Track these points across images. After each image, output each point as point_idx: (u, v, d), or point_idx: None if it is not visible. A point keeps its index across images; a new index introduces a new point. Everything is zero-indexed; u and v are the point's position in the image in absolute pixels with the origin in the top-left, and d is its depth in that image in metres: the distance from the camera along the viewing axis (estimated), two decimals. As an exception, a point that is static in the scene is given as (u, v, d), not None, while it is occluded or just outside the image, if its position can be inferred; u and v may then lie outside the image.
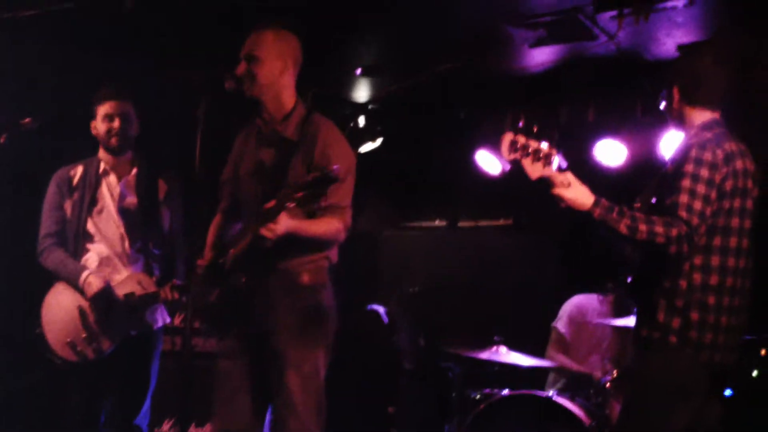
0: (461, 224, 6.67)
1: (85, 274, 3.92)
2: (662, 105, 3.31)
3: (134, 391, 4.00)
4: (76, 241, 4.01)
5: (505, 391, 4.59)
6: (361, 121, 6.19)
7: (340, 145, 3.40)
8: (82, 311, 3.92)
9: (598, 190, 2.99)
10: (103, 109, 4.07)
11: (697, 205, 2.94)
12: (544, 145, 2.93)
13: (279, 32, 3.45)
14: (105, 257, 4.02)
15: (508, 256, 6.33)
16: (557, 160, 2.94)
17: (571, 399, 4.52)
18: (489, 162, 5.99)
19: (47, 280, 4.03)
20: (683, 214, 2.92)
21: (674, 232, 2.89)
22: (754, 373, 4.57)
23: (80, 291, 3.93)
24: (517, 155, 2.93)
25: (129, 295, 3.92)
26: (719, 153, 3.02)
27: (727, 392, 3.31)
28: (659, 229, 2.89)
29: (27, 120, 3.76)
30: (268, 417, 3.38)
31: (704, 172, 2.97)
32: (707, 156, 2.99)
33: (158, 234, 4.11)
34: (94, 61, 4.95)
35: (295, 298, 3.30)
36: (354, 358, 5.57)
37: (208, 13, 4.57)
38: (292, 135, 3.39)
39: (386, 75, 5.64)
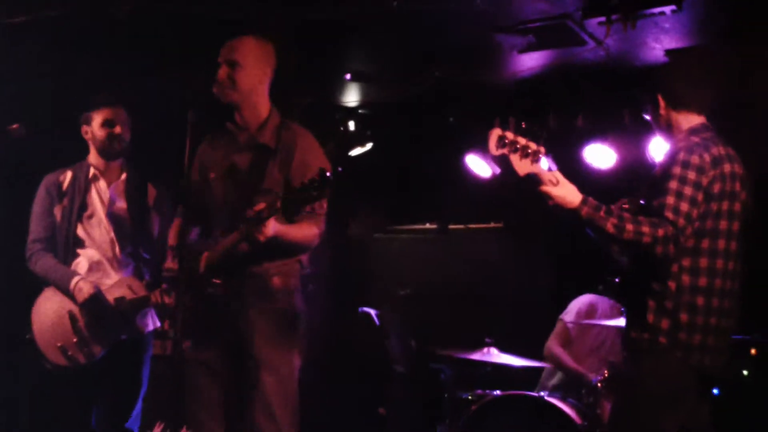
0: (452, 227, 6.69)
1: (75, 279, 3.92)
2: (648, 116, 3.33)
3: (125, 395, 4.00)
4: (66, 246, 4.01)
5: (497, 392, 4.61)
6: (351, 125, 6.21)
7: (318, 153, 3.45)
8: (72, 316, 3.92)
9: (587, 193, 3.01)
10: (101, 115, 4.08)
11: (684, 206, 2.96)
12: (532, 142, 2.94)
13: (259, 39, 3.49)
14: (95, 262, 4.02)
15: (499, 259, 6.35)
16: (545, 159, 2.95)
17: (563, 399, 4.54)
18: (479, 166, 6.01)
19: (37, 284, 4.03)
20: (669, 215, 2.94)
21: (660, 232, 2.91)
22: (745, 373, 4.59)
23: (70, 296, 3.92)
24: (505, 150, 2.93)
25: (119, 300, 3.92)
26: (706, 156, 3.04)
27: (715, 391, 3.33)
28: (645, 229, 2.91)
29: (15, 126, 3.76)
30: None
31: (691, 175, 3.00)
32: (694, 159, 3.01)
33: (148, 239, 4.11)
34: (87, 67, 4.95)
35: (268, 302, 3.33)
36: (345, 360, 5.59)
37: (200, 21, 4.58)
38: (269, 141, 3.42)
39: (375, 80, 5.65)
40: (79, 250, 4.03)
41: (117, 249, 4.05)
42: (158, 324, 4.15)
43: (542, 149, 2.94)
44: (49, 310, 3.96)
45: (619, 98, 5.31)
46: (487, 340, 4.74)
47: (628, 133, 5.34)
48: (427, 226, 6.83)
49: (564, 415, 4.39)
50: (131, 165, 4.20)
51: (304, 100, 5.41)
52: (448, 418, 4.74)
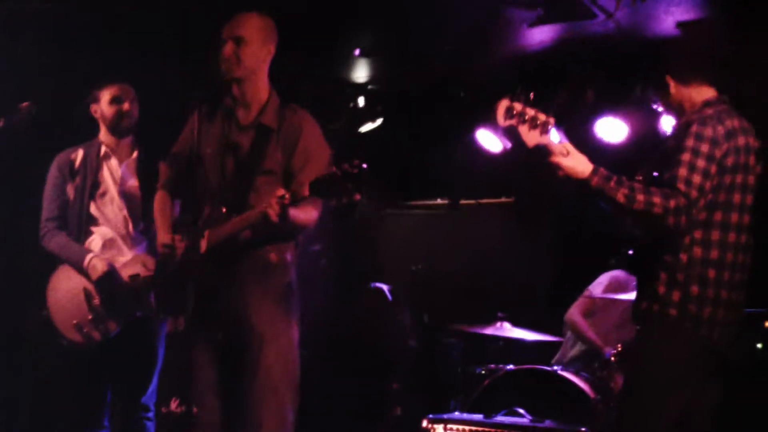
0: (463, 202, 6.69)
1: (89, 257, 3.94)
2: (659, 102, 3.31)
3: (141, 371, 4.03)
4: (80, 224, 4.03)
5: (510, 366, 4.62)
6: (361, 101, 6.19)
7: (321, 138, 3.45)
8: (87, 293, 3.94)
9: (600, 166, 2.99)
10: (109, 92, 4.09)
11: (696, 178, 2.94)
12: (541, 113, 2.91)
13: (263, 17, 3.47)
14: (109, 240, 4.04)
15: (510, 233, 6.35)
16: (554, 131, 2.93)
17: (576, 373, 4.55)
18: (490, 140, 6.00)
19: (51, 262, 4.05)
20: (682, 186, 2.92)
21: (672, 203, 2.89)
22: (759, 346, 4.59)
23: (84, 274, 3.95)
24: (513, 122, 2.91)
25: (134, 277, 3.94)
26: (720, 129, 3.02)
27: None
28: (657, 199, 2.89)
29: (25, 104, 3.76)
30: None
31: (704, 147, 2.97)
32: (708, 131, 2.99)
33: (161, 216, 4.12)
34: (93, 50, 4.96)
35: (265, 276, 3.35)
36: (358, 335, 5.61)
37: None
38: (270, 122, 3.41)
39: (385, 56, 5.64)
40: (92, 228, 4.04)
41: (130, 226, 4.07)
42: (173, 301, 4.18)
43: (551, 120, 2.91)
44: (65, 287, 3.99)
45: (630, 71, 5.28)
46: (499, 314, 4.75)
47: (639, 105, 5.32)
48: (439, 201, 6.84)
49: (577, 389, 4.40)
50: (142, 143, 4.21)
51: (312, 75, 5.39)
52: (461, 393, 4.77)
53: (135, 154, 4.16)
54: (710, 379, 3.07)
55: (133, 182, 4.11)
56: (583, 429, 4.12)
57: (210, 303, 3.34)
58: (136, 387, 4.02)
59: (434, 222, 6.76)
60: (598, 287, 5.19)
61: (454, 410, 4.65)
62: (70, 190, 4.06)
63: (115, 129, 4.12)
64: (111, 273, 3.92)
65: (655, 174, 3.09)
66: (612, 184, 2.92)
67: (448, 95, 6.03)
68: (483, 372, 4.70)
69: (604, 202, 2.97)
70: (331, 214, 3.48)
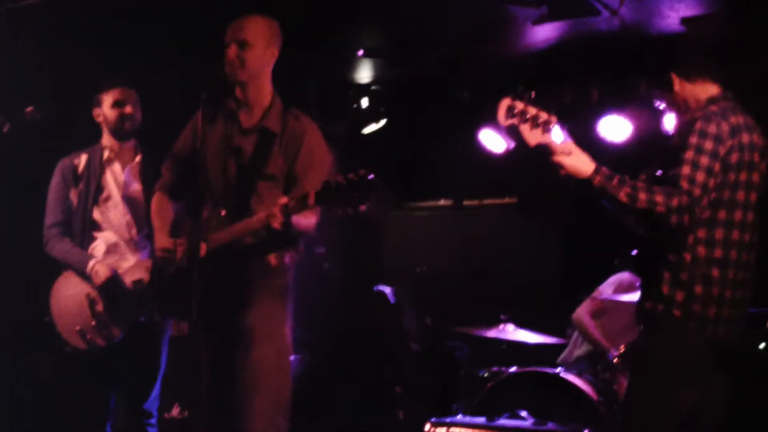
0: (466, 203, 6.68)
1: (92, 262, 3.94)
2: (664, 102, 3.29)
3: (144, 376, 4.02)
4: (83, 229, 4.02)
5: (513, 369, 4.61)
6: (365, 102, 6.19)
7: (323, 145, 3.45)
8: (90, 299, 3.94)
9: (604, 165, 2.97)
10: (111, 96, 4.08)
11: (700, 176, 2.92)
12: (543, 112, 2.89)
13: (268, 20, 3.46)
14: (112, 245, 4.03)
15: (514, 234, 6.34)
16: (557, 129, 2.91)
17: (579, 375, 4.53)
18: (493, 141, 5.99)
19: (54, 268, 4.06)
20: (685, 185, 2.90)
21: (675, 202, 2.87)
22: (762, 346, 4.56)
23: (88, 279, 3.95)
24: (515, 121, 2.89)
25: (137, 282, 3.94)
26: (724, 126, 2.99)
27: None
28: (659, 198, 2.87)
29: (30, 109, 3.77)
30: None
31: (708, 145, 2.95)
32: (712, 128, 2.97)
33: (164, 220, 4.12)
34: (94, 51, 4.96)
35: (263, 279, 3.36)
36: (361, 338, 5.60)
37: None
38: (274, 127, 3.40)
39: (388, 56, 5.63)
40: (96, 233, 4.04)
41: (134, 231, 4.06)
42: (176, 306, 4.18)
43: (553, 118, 2.88)
44: (68, 293, 3.98)
45: (634, 68, 5.26)
46: (502, 317, 4.74)
47: (644, 102, 5.29)
48: (442, 202, 6.83)
49: (580, 391, 4.39)
50: (145, 147, 4.20)
51: (316, 76, 5.39)
52: (464, 396, 4.76)
53: (138, 158, 4.15)
54: (716, 379, 3.06)
55: (136, 186, 4.11)
56: (586, 431, 4.11)
57: (207, 305, 3.30)
58: (139, 392, 4.02)
59: (437, 223, 6.75)
60: (607, 289, 5.17)
61: (457, 413, 4.64)
62: (74, 196, 4.06)
63: (117, 132, 4.11)
64: (114, 278, 3.92)
65: (659, 172, 3.08)
66: (614, 183, 2.90)
67: (451, 95, 6.02)
68: (486, 375, 4.69)
69: (607, 201, 2.95)
70: (334, 217, 3.47)
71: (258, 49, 3.38)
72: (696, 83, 3.15)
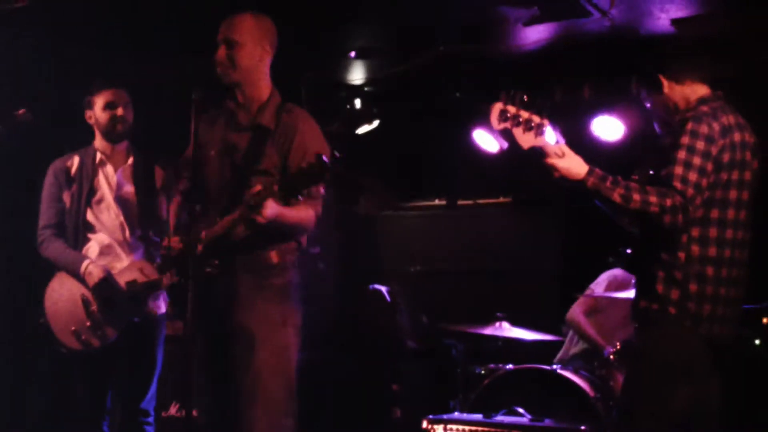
0: (461, 203, 6.68)
1: (85, 263, 3.94)
2: (653, 111, 3.31)
3: (140, 376, 4.03)
4: (77, 231, 4.03)
5: (509, 366, 4.62)
6: (357, 103, 6.19)
7: (318, 137, 3.42)
8: (85, 300, 3.94)
9: (596, 165, 2.99)
10: (103, 98, 4.08)
11: (692, 176, 2.94)
12: (536, 115, 2.91)
13: (258, 16, 3.44)
14: (106, 246, 4.04)
15: (508, 234, 6.34)
16: (550, 131, 2.93)
17: (575, 372, 4.55)
18: (486, 140, 6.00)
19: (49, 270, 4.05)
20: (678, 184, 2.92)
21: (668, 202, 2.89)
22: (757, 342, 4.59)
23: (82, 281, 3.95)
24: (507, 125, 2.91)
25: (131, 283, 3.94)
26: (716, 126, 3.02)
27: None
28: (653, 198, 2.89)
29: (22, 111, 3.76)
30: None
31: (700, 144, 2.97)
32: (703, 128, 2.99)
33: (157, 222, 4.12)
34: (87, 52, 4.96)
35: (262, 278, 3.32)
36: (357, 337, 5.61)
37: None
38: (268, 122, 3.39)
39: (381, 57, 5.63)
40: (89, 235, 4.04)
41: (127, 233, 4.07)
42: (171, 306, 4.19)
43: (546, 122, 2.91)
44: (62, 294, 3.99)
45: (626, 69, 5.28)
46: (498, 314, 4.75)
47: (636, 103, 5.32)
48: (436, 202, 6.83)
49: (577, 388, 4.40)
50: (137, 148, 4.20)
51: (302, 75, 5.39)
52: (460, 393, 4.77)
53: (131, 160, 4.16)
54: (711, 377, 3.08)
55: (128, 188, 4.11)
56: (583, 428, 4.13)
57: (206, 303, 3.32)
58: (135, 392, 4.02)
59: (432, 223, 6.75)
60: (599, 286, 5.19)
61: (454, 410, 4.66)
62: (67, 198, 4.07)
63: (109, 135, 4.11)
64: (107, 279, 3.92)
65: (651, 172, 3.09)
66: (608, 184, 2.92)
67: (444, 96, 6.03)
68: (482, 372, 4.69)
69: (601, 202, 2.97)
70: (328, 216, 3.47)
71: (248, 47, 3.37)
72: (685, 85, 3.17)
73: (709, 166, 2.98)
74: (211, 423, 3.37)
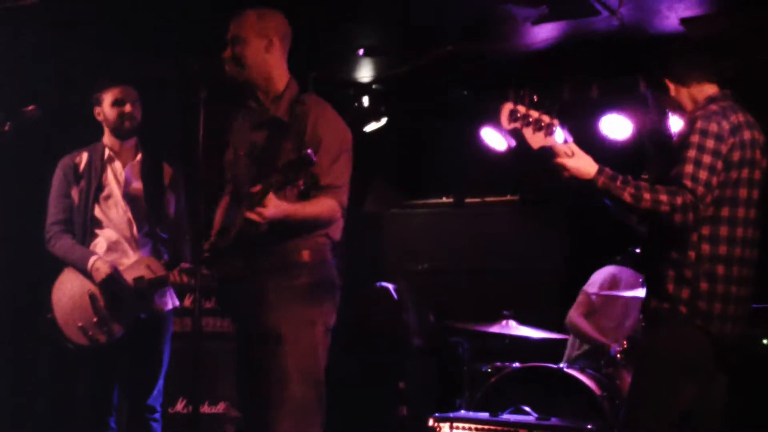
0: (468, 201, 6.68)
1: (92, 259, 3.95)
2: (659, 108, 3.31)
3: (147, 372, 4.04)
4: (85, 227, 4.03)
5: (516, 364, 4.62)
6: (365, 101, 6.19)
7: (331, 124, 3.34)
8: (92, 296, 3.95)
9: (604, 164, 2.99)
10: (111, 95, 4.08)
11: (703, 174, 2.94)
12: (545, 115, 2.91)
13: (262, 11, 3.41)
14: (113, 242, 4.04)
15: (515, 232, 6.34)
16: (560, 131, 2.93)
17: (582, 370, 4.54)
18: (494, 139, 6.00)
19: (56, 266, 4.06)
20: (688, 183, 2.92)
21: (679, 200, 2.89)
22: (765, 342, 4.58)
23: (89, 276, 3.95)
24: (517, 125, 2.91)
25: (138, 280, 3.95)
26: (725, 124, 3.01)
27: None
28: (663, 197, 2.89)
29: (30, 108, 3.76)
30: None
31: (710, 143, 2.97)
32: (713, 127, 2.99)
33: (165, 218, 4.13)
34: (93, 50, 4.97)
35: (291, 277, 3.27)
36: (364, 335, 5.61)
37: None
38: (282, 115, 3.36)
39: (389, 55, 5.63)
40: (97, 231, 4.05)
41: (134, 229, 4.07)
42: (177, 303, 4.19)
43: (555, 122, 2.91)
44: (69, 290, 3.99)
45: (634, 68, 5.27)
46: (504, 312, 4.75)
47: (644, 102, 5.31)
48: (444, 200, 6.82)
49: (583, 386, 4.40)
50: (145, 145, 4.21)
51: (316, 75, 5.39)
52: (467, 391, 4.77)
53: (139, 157, 4.16)
54: (717, 375, 3.08)
55: (137, 185, 4.12)
56: (590, 426, 4.12)
57: (236, 303, 3.33)
58: (142, 388, 4.03)
59: (439, 221, 6.74)
60: (593, 286, 5.20)
61: (460, 409, 4.65)
62: (75, 194, 4.07)
63: (117, 131, 4.12)
64: (114, 275, 3.93)
65: (661, 171, 3.09)
66: (618, 183, 2.92)
67: (452, 94, 6.03)
68: (489, 370, 4.69)
69: (611, 201, 2.97)
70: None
71: (252, 43, 3.34)
72: (691, 86, 3.18)
73: (719, 165, 2.98)
74: (242, 418, 3.35)
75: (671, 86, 3.20)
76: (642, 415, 3.03)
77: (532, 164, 3.08)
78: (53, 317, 3.96)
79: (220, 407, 4.75)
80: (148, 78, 4.36)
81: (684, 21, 4.82)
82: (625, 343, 4.61)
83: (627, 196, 2.91)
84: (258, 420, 3.25)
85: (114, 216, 4.06)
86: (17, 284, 4.85)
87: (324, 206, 3.25)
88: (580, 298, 5.19)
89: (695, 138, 2.97)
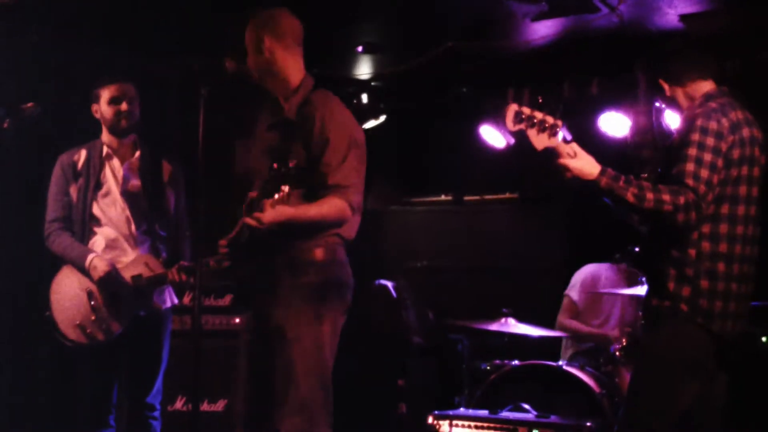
0: (467, 198, 6.68)
1: (90, 257, 3.94)
2: (659, 101, 3.32)
3: (146, 370, 4.04)
4: (83, 224, 4.03)
5: (515, 362, 4.62)
6: (364, 98, 6.19)
7: (339, 122, 3.33)
8: (90, 294, 3.95)
9: (603, 161, 2.99)
10: (108, 92, 4.07)
11: (704, 173, 2.94)
12: (549, 116, 2.93)
13: (256, 17, 3.42)
14: (112, 240, 4.04)
15: (514, 229, 6.34)
16: (562, 132, 2.94)
17: (581, 368, 4.54)
18: (493, 136, 6.00)
19: (55, 263, 4.06)
20: (690, 181, 2.92)
21: (681, 199, 2.89)
22: (764, 339, 4.58)
23: (87, 274, 3.95)
24: (522, 126, 2.93)
25: (136, 277, 3.95)
26: (725, 122, 3.02)
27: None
28: (666, 197, 2.89)
29: (29, 105, 3.75)
30: None
31: (710, 141, 2.97)
32: (713, 125, 2.99)
33: (164, 216, 4.13)
34: (93, 49, 4.96)
35: (300, 274, 3.27)
36: (363, 332, 5.60)
37: None
38: (292, 115, 3.37)
39: (388, 52, 5.63)
40: (95, 229, 4.05)
41: (132, 227, 4.07)
42: (176, 300, 4.19)
43: (559, 122, 2.93)
44: (67, 288, 3.99)
45: (634, 65, 5.26)
46: (504, 310, 4.75)
47: (643, 99, 5.30)
48: (443, 197, 6.82)
49: (582, 384, 4.40)
50: (144, 142, 4.20)
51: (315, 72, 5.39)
52: (466, 389, 4.77)
53: (137, 154, 4.15)
54: (718, 373, 3.08)
55: (135, 182, 4.11)
56: (589, 424, 4.12)
57: (250, 297, 3.37)
58: (141, 386, 4.03)
59: (438, 218, 6.74)
60: (574, 290, 5.24)
61: (460, 406, 4.65)
62: (73, 191, 4.06)
63: (114, 129, 4.10)
64: (112, 273, 3.93)
65: (660, 170, 3.09)
66: (621, 183, 2.93)
67: (451, 91, 6.02)
68: (488, 368, 4.69)
69: (614, 201, 2.97)
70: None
71: (251, 49, 3.38)
72: (687, 86, 3.18)
73: (720, 163, 2.98)
74: (249, 414, 3.36)
75: (666, 87, 3.21)
76: (643, 413, 3.04)
77: (532, 162, 3.09)
78: (51, 315, 3.96)
79: (220, 405, 4.75)
80: (149, 77, 4.35)
81: (683, 18, 4.81)
82: (624, 341, 4.62)
83: (630, 197, 2.91)
84: (266, 417, 3.25)
85: (112, 214, 4.05)
86: (17, 284, 4.84)
87: (331, 207, 3.24)
88: (564, 301, 5.25)
89: (695, 136, 2.97)
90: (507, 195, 6.55)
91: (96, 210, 4.04)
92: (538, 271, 5.87)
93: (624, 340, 4.62)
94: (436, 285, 6.23)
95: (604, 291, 5.07)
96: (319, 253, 3.28)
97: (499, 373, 4.60)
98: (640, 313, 3.39)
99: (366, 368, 5.46)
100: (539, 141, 2.94)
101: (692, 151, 2.96)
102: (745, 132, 3.06)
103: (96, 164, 4.07)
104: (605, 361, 4.65)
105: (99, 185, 4.06)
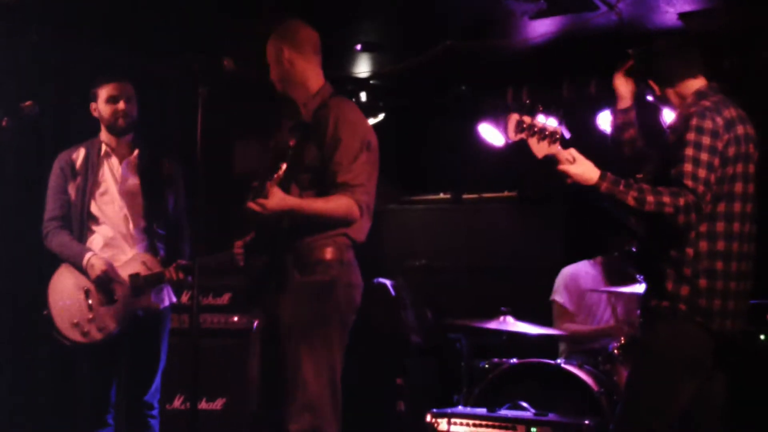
0: (465, 197, 6.68)
1: (87, 255, 3.94)
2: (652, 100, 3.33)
3: (144, 369, 4.05)
4: (81, 223, 4.03)
5: (514, 360, 4.62)
6: (363, 96, 6.19)
7: (351, 124, 3.36)
8: (87, 293, 3.95)
9: (603, 161, 3.00)
10: (105, 91, 4.07)
11: (702, 173, 2.94)
12: (550, 124, 2.95)
13: (275, 32, 3.47)
14: (110, 238, 4.04)
15: (513, 228, 6.34)
16: (562, 135, 2.96)
17: (580, 366, 4.55)
18: (492, 134, 6.00)
19: (53, 262, 4.06)
20: (689, 182, 2.92)
21: (681, 201, 2.90)
22: (762, 337, 4.59)
23: (84, 273, 3.95)
24: (524, 135, 2.96)
25: (134, 276, 3.95)
26: (719, 120, 3.02)
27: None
28: (667, 199, 2.90)
29: (28, 103, 3.76)
30: None
31: (706, 140, 2.98)
32: (708, 124, 2.99)
33: (162, 214, 4.13)
34: (93, 49, 4.96)
35: (308, 273, 3.28)
36: (361, 331, 5.60)
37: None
38: (307, 118, 3.42)
39: (387, 51, 5.63)
40: (94, 227, 4.05)
41: (131, 225, 4.07)
42: (174, 299, 4.19)
43: (559, 129, 2.96)
44: (65, 287, 3.99)
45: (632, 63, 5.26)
46: (502, 308, 4.75)
47: (642, 98, 5.30)
48: (441, 196, 6.82)
49: (581, 382, 4.40)
50: (143, 141, 4.20)
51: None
52: (465, 387, 4.77)
53: (136, 153, 4.15)
54: (717, 372, 3.08)
55: (133, 181, 4.11)
56: (587, 422, 4.12)
57: (262, 295, 3.37)
58: (139, 385, 4.04)
59: (436, 217, 6.74)
60: (559, 293, 5.24)
61: (458, 404, 4.65)
62: (72, 190, 4.07)
63: (112, 128, 4.10)
64: (110, 272, 3.93)
65: (656, 170, 3.10)
66: (621, 187, 2.93)
67: (450, 89, 6.02)
68: (486, 366, 4.69)
69: (614, 205, 2.98)
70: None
71: (271, 61, 3.45)
72: (676, 86, 3.18)
73: (717, 161, 2.99)
74: (257, 413, 3.38)
75: (656, 88, 3.22)
76: (642, 412, 3.04)
77: (531, 163, 3.10)
78: (49, 314, 3.96)
79: (218, 404, 4.76)
80: (149, 76, 4.35)
81: (682, 16, 4.81)
82: (623, 339, 4.63)
83: (630, 200, 2.92)
84: (275, 416, 3.27)
85: (110, 212, 4.06)
86: (16, 283, 4.84)
87: (337, 203, 3.26)
88: (555, 307, 5.25)
89: (691, 136, 2.98)
90: (506, 193, 6.55)
91: (94, 208, 4.05)
92: (537, 270, 5.86)
93: (623, 339, 4.63)
94: (434, 283, 6.22)
95: (586, 288, 5.09)
96: (328, 252, 3.29)
97: (498, 371, 4.60)
98: (638, 312, 3.39)
99: (364, 367, 5.46)
100: (540, 149, 2.96)
101: (689, 152, 2.96)
102: (740, 129, 3.07)
103: (94, 163, 4.07)
104: (603, 359, 4.65)
105: (97, 184, 4.06)
